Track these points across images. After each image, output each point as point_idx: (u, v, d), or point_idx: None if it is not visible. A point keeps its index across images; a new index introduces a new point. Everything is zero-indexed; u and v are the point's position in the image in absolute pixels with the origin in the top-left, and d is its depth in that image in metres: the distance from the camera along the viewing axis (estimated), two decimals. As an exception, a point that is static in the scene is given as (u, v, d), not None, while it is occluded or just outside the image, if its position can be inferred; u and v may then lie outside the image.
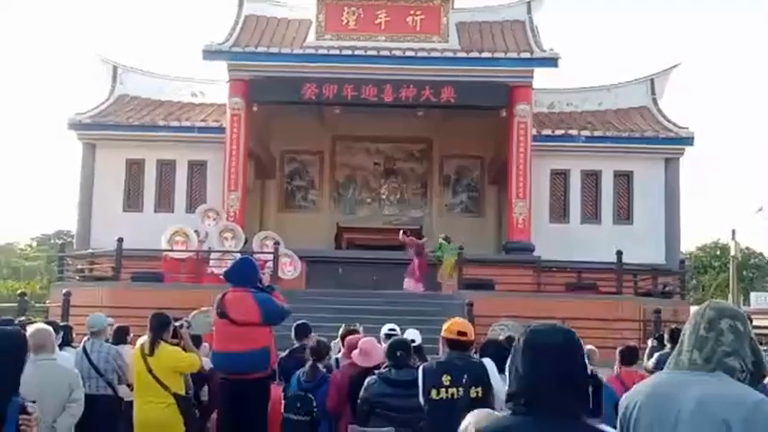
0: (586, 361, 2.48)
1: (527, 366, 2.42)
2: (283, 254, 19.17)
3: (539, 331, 2.47)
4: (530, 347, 2.44)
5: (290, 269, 19.31)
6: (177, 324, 7.68)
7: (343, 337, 9.08)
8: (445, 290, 19.30)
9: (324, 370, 7.50)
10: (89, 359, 8.39)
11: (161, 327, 7.27)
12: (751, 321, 3.51)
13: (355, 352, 7.18)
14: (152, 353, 7.10)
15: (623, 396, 2.78)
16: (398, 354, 6.40)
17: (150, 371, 7.07)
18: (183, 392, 7.21)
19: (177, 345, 7.42)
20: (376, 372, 6.49)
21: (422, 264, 19.57)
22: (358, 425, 6.53)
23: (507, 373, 2.49)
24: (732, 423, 2.45)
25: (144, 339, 7.34)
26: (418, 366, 6.11)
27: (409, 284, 19.39)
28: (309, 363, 7.45)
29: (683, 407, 2.54)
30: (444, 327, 5.90)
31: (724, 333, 2.62)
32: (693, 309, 2.81)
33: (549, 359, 2.39)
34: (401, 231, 20.88)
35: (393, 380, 6.27)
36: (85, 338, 8.87)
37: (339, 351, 8.62)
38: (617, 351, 7.93)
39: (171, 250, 19.57)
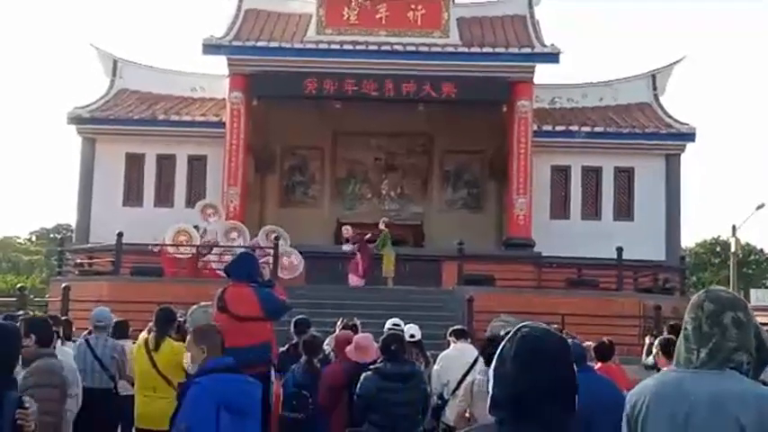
0: (575, 367, 2.32)
1: (518, 374, 2.26)
2: (288, 252, 19.08)
3: (532, 336, 2.30)
4: (523, 354, 2.28)
5: (292, 267, 19.14)
6: (181, 319, 7.65)
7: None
8: (389, 284, 19.21)
9: (318, 365, 7.49)
10: (93, 353, 8.34)
11: (167, 322, 7.22)
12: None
13: (350, 347, 7.16)
14: (157, 348, 7.05)
15: (630, 392, 2.74)
16: (393, 348, 6.43)
17: (155, 366, 7.03)
18: (185, 387, 7.18)
19: (179, 340, 7.38)
20: (371, 367, 6.49)
21: (364, 259, 19.35)
22: (355, 420, 6.54)
23: (492, 376, 2.33)
24: (744, 420, 2.41)
25: (144, 334, 7.29)
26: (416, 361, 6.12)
27: (353, 280, 19.29)
28: (304, 358, 7.45)
29: (693, 405, 2.50)
30: None
31: (728, 328, 2.56)
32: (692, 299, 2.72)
33: (542, 367, 2.25)
34: (343, 227, 20.84)
35: (388, 373, 6.29)
36: (86, 333, 8.84)
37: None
38: (591, 347, 7.92)
39: (170, 245, 19.48)
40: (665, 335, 8.94)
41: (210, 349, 4.77)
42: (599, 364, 7.60)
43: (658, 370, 7.41)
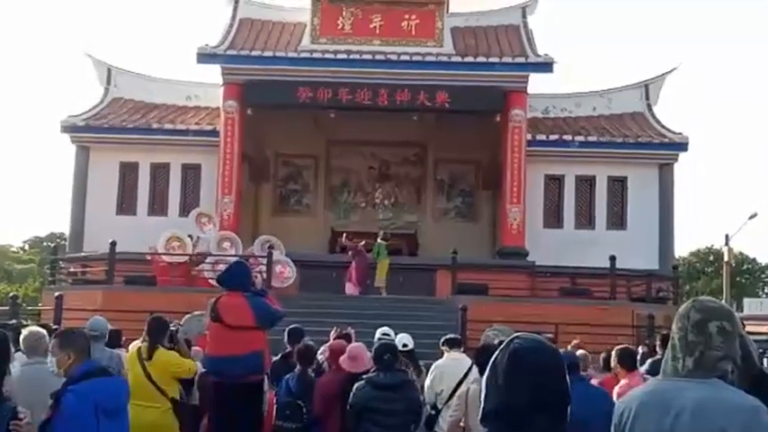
0: (567, 379, 2.32)
1: (510, 385, 2.25)
2: (281, 261, 19.06)
3: (525, 348, 2.28)
4: (515, 365, 2.26)
5: (286, 277, 19.11)
6: (173, 328, 7.65)
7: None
8: (382, 293, 19.16)
9: (312, 375, 7.49)
10: (92, 363, 8.32)
11: (159, 331, 7.22)
12: (743, 327, 3.48)
13: (343, 357, 7.18)
14: (150, 357, 7.06)
15: (618, 402, 2.76)
16: (385, 357, 6.44)
17: (148, 375, 7.03)
18: (178, 397, 7.18)
19: (172, 349, 7.39)
20: (364, 376, 6.50)
21: (359, 268, 19.32)
22: (348, 429, 6.55)
23: (484, 387, 2.32)
24: (729, 429, 2.43)
25: (137, 343, 7.29)
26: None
27: (349, 288, 19.29)
28: (298, 368, 7.46)
29: (679, 414, 2.51)
30: None
31: (713, 336, 2.58)
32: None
33: (534, 379, 2.24)
34: (343, 235, 20.87)
35: (381, 383, 6.31)
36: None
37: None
38: (600, 357, 7.94)
39: (164, 253, 19.50)
40: (659, 346, 8.97)
41: (76, 354, 4.65)
42: (604, 376, 7.60)
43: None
